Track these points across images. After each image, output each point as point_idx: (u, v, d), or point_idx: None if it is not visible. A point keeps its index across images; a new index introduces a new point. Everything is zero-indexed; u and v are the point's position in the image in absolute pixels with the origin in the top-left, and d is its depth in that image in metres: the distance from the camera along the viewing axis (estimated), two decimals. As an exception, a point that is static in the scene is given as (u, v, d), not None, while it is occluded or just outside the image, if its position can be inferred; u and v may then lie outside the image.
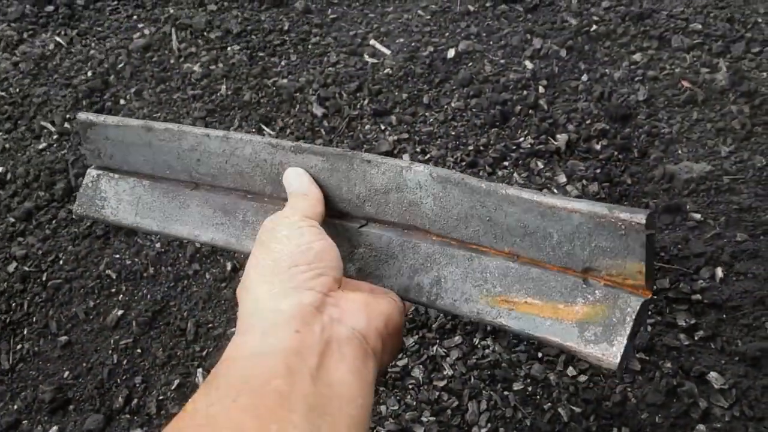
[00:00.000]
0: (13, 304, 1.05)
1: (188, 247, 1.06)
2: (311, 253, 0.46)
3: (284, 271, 0.45)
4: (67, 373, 0.97)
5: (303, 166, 0.57)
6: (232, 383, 0.36)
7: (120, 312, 1.01)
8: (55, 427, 0.91)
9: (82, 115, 0.67)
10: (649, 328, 0.84)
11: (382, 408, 0.83)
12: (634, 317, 0.43)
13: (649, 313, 0.86)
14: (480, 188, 0.50)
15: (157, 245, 1.07)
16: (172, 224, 0.63)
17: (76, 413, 0.92)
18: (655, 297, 0.40)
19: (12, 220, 1.16)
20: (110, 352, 0.97)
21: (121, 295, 1.03)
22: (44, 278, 1.07)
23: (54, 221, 1.15)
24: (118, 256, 1.08)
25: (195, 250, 1.05)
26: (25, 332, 1.02)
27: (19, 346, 1.01)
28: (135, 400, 0.92)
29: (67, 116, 1.33)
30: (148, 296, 1.02)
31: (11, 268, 1.09)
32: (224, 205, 0.61)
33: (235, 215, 0.61)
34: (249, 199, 0.61)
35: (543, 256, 0.48)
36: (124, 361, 0.96)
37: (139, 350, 0.97)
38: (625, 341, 0.43)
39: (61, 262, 1.09)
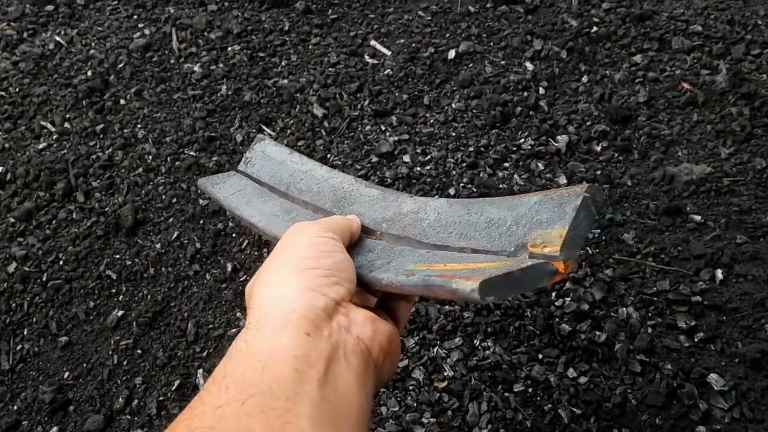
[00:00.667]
0: (13, 305, 1.05)
1: (188, 247, 1.06)
2: (332, 261, 0.48)
3: (303, 273, 0.46)
4: (67, 373, 0.97)
5: (366, 195, 0.67)
6: (241, 384, 0.37)
7: (120, 312, 1.01)
8: (55, 428, 0.91)
9: (261, 136, 0.84)
10: (649, 330, 0.85)
11: (383, 409, 0.83)
12: (517, 269, 0.41)
13: (649, 315, 0.86)
14: (475, 200, 0.54)
15: (158, 246, 1.07)
16: (245, 208, 0.72)
17: (77, 414, 0.92)
18: (565, 272, 0.37)
19: (12, 220, 1.16)
20: (110, 352, 0.97)
21: (122, 296, 1.03)
22: (44, 278, 1.07)
23: (54, 221, 1.15)
24: (118, 256, 1.08)
25: (195, 251, 1.05)
26: (25, 333, 1.02)
27: (19, 347, 1.01)
28: (135, 401, 0.91)
29: (67, 116, 1.33)
30: (149, 297, 1.02)
31: (11, 268, 1.09)
32: (287, 207, 0.71)
33: (289, 214, 0.70)
34: (309, 209, 0.71)
35: (490, 245, 0.49)
36: (125, 362, 0.96)
37: (139, 351, 0.97)
38: (489, 278, 0.40)
39: (61, 262, 1.09)
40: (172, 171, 1.18)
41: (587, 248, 0.96)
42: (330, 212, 0.68)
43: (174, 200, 1.13)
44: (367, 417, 0.42)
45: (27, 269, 1.08)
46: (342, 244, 0.52)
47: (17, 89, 1.41)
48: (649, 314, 0.87)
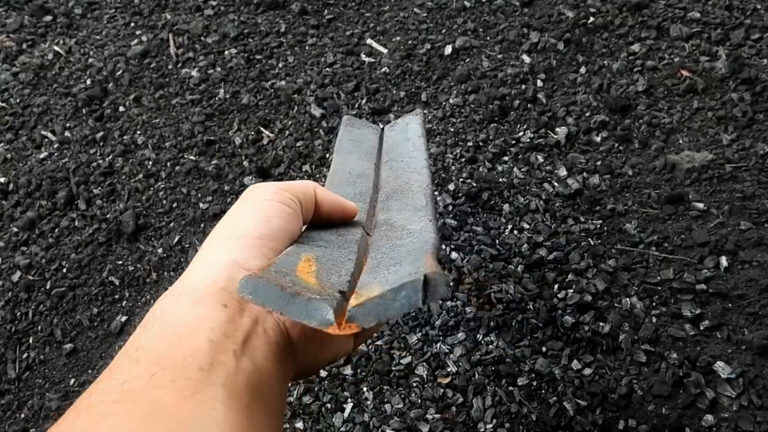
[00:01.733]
0: (18, 313, 1.05)
1: (190, 251, 1.06)
2: (265, 228, 0.44)
3: (232, 241, 0.43)
4: (73, 380, 0.97)
5: (411, 204, 0.60)
6: (154, 357, 0.34)
7: (124, 318, 1.01)
8: (61, 435, 0.91)
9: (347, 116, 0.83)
10: (654, 319, 0.84)
11: (387, 407, 0.82)
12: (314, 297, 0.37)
13: (653, 304, 0.85)
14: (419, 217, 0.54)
15: (159, 251, 1.07)
16: (337, 156, 0.71)
17: (83, 420, 0.92)
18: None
19: (15, 229, 1.16)
20: (115, 358, 0.97)
21: (125, 302, 1.03)
22: (48, 287, 1.07)
23: (57, 230, 1.15)
24: (120, 262, 1.08)
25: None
26: (30, 341, 1.02)
27: (25, 355, 1.01)
28: (140, 406, 0.91)
29: (67, 125, 1.33)
30: (152, 302, 1.02)
31: (15, 277, 1.09)
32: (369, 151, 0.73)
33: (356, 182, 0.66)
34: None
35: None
36: (129, 367, 0.96)
37: (143, 356, 0.96)
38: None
39: (64, 270, 1.09)
40: (172, 176, 1.18)
41: (589, 239, 0.95)
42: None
43: (174, 205, 1.13)
44: (283, 393, 0.40)
45: (31, 278, 1.09)
46: (291, 210, 0.47)
47: (18, 100, 1.41)
48: (654, 304, 0.86)
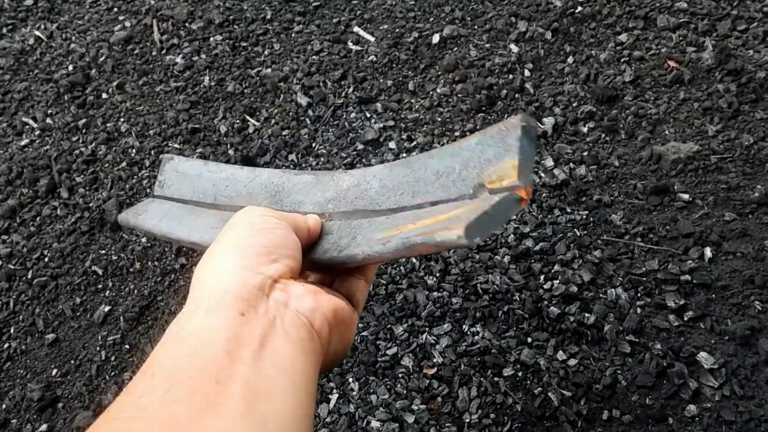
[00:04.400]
0: (0, 303, 1.04)
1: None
2: (268, 237, 0.46)
3: (238, 251, 0.44)
4: (55, 370, 0.96)
5: (299, 182, 0.64)
6: (168, 371, 0.35)
7: (107, 308, 1.00)
8: (44, 426, 0.90)
9: (167, 155, 0.77)
10: (639, 310, 0.84)
11: (373, 398, 0.82)
12: (489, 206, 0.42)
13: (638, 295, 0.86)
14: (413, 158, 0.54)
15: (143, 240, 1.06)
16: (178, 228, 0.68)
17: (66, 411, 0.92)
18: (528, 198, 0.43)
19: (-5, 218, 1.14)
20: (98, 348, 0.96)
21: (108, 291, 1.02)
22: (30, 276, 1.06)
23: (38, 218, 1.13)
24: (104, 251, 1.07)
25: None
26: (12, 331, 1.01)
27: (6, 345, 1.00)
28: (124, 397, 0.91)
29: (49, 111, 1.31)
30: (135, 291, 1.01)
31: (-4, 266, 1.08)
32: (223, 216, 0.67)
33: (227, 222, 0.65)
34: None
35: (447, 194, 0.49)
36: (113, 358, 0.95)
37: (127, 346, 0.96)
38: (470, 221, 0.40)
39: (46, 259, 1.08)
40: (156, 164, 1.17)
41: (575, 230, 0.95)
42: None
43: (159, 193, 1.12)
44: (312, 388, 0.40)
45: (12, 267, 1.07)
46: (286, 224, 0.49)
47: (-2, 86, 1.39)
48: (638, 294, 0.86)
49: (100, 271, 1.04)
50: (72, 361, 0.96)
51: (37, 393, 0.93)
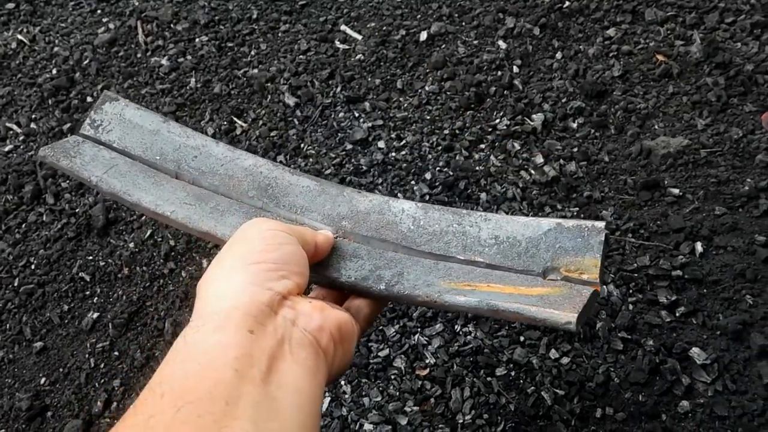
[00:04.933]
0: (-14, 312, 1.03)
1: (162, 245, 1.04)
2: (279, 253, 0.46)
3: (247, 267, 0.44)
4: (43, 379, 0.95)
5: (297, 184, 0.62)
6: (178, 390, 0.35)
7: (95, 315, 0.99)
8: (33, 436, 0.90)
9: (109, 93, 0.72)
10: (631, 307, 0.85)
11: (365, 400, 0.82)
12: (587, 298, 0.46)
13: (630, 291, 0.86)
14: (461, 211, 0.57)
15: (131, 245, 1.06)
16: (137, 191, 0.62)
17: (55, 420, 0.91)
18: (602, 289, 0.50)
19: (-20, 225, 1.14)
20: (87, 355, 0.96)
21: (96, 298, 1.02)
22: (16, 284, 1.05)
23: (24, 225, 1.13)
24: (91, 257, 1.06)
25: (170, 248, 1.04)
26: (-1, 340, 1.01)
27: (-7, 355, 0.99)
28: (114, 404, 0.91)
29: (33, 116, 1.30)
30: (124, 297, 1.01)
31: (-18, 275, 1.07)
32: (199, 194, 0.63)
33: (206, 202, 0.63)
34: (229, 198, 0.64)
35: (508, 262, 0.53)
36: (102, 365, 0.95)
37: (116, 353, 0.96)
38: (580, 311, 0.45)
39: (32, 266, 1.07)
40: (143, 168, 1.16)
41: (566, 227, 0.95)
42: (260, 205, 0.63)
43: (146, 198, 1.12)
44: (318, 408, 0.40)
45: (-2, 275, 1.07)
46: (295, 239, 0.49)
47: (-19, 91, 1.38)
48: (630, 291, 0.87)
49: (87, 278, 1.04)
50: (60, 369, 0.96)
51: (26, 402, 0.92)
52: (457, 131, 1.10)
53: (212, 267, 0.46)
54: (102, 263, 1.05)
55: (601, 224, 0.50)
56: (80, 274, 1.04)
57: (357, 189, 0.63)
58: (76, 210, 1.12)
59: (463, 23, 1.28)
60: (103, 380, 0.93)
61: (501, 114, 1.11)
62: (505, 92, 1.14)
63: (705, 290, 0.85)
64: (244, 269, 0.44)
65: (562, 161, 1.03)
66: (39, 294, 1.03)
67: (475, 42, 1.24)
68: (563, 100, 1.11)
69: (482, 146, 1.08)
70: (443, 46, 1.25)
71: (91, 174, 0.64)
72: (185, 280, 1.01)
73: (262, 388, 0.36)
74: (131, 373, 0.93)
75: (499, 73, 1.17)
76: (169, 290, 1.00)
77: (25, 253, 1.09)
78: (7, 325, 1.02)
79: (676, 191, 0.96)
